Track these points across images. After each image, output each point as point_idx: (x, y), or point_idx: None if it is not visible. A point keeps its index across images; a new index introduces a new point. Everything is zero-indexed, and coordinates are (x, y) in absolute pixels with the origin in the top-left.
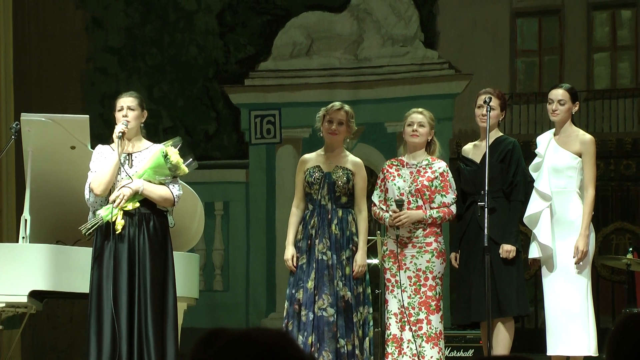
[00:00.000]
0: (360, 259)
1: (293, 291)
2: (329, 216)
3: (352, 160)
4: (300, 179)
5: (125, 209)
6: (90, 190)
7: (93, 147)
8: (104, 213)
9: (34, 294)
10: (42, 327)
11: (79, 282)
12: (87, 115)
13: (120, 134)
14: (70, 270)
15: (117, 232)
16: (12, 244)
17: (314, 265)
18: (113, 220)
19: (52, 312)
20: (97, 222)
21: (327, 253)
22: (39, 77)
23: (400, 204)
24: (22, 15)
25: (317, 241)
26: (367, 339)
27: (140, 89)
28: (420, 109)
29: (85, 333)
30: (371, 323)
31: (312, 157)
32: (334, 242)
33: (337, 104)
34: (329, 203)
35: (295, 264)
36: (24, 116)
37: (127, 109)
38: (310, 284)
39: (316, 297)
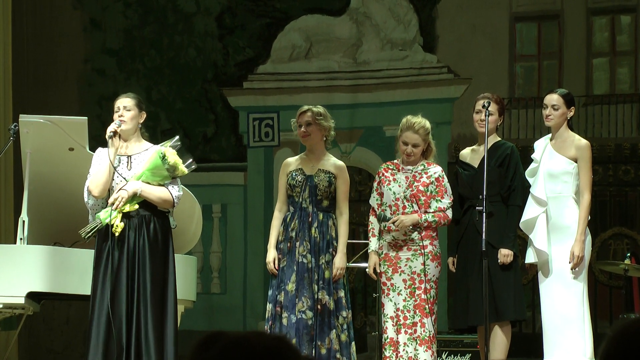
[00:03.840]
0: (339, 262)
1: (276, 293)
2: (310, 219)
3: (334, 163)
4: (283, 182)
5: (124, 211)
6: (89, 193)
7: (91, 149)
8: (103, 216)
9: (31, 296)
10: (38, 329)
11: (77, 283)
12: (86, 117)
13: (112, 133)
14: (68, 272)
15: (116, 235)
16: (10, 245)
17: (295, 267)
18: (112, 223)
19: (48, 314)
20: (96, 225)
21: (307, 256)
22: (35, 78)
23: (383, 218)
24: (19, 16)
25: (297, 244)
26: (353, 343)
27: (138, 91)
28: (415, 125)
29: (86, 335)
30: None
31: (295, 161)
32: (313, 246)
33: (304, 107)
34: (310, 206)
35: (276, 267)
36: (22, 117)
37: (123, 109)
38: (291, 287)
39: (297, 300)
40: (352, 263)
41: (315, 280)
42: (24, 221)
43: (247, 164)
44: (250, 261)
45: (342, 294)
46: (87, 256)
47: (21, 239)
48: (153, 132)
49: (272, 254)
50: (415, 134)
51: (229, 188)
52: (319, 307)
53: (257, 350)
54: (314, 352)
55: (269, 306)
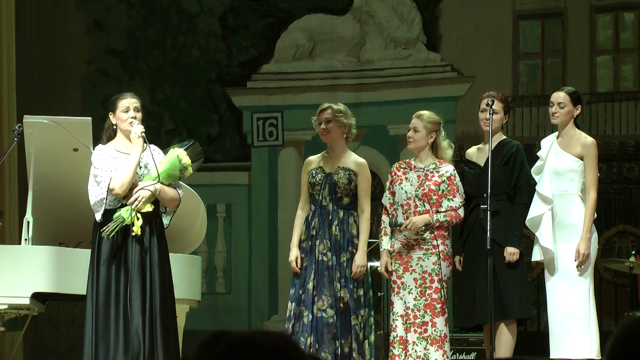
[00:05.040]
0: (360, 259)
1: (300, 292)
2: (330, 217)
3: (355, 160)
4: (305, 181)
5: (144, 210)
6: (110, 190)
7: None
8: (125, 215)
9: (37, 296)
10: (43, 329)
11: (82, 284)
12: (90, 118)
13: (144, 133)
14: (73, 272)
15: (135, 234)
16: (15, 246)
17: (314, 266)
18: (132, 221)
19: (53, 314)
20: (119, 224)
21: (327, 254)
22: (39, 79)
23: (394, 224)
24: (23, 18)
25: (317, 242)
26: (367, 341)
27: (142, 92)
28: (421, 112)
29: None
30: (373, 326)
31: (316, 159)
32: (334, 244)
33: (323, 105)
34: (330, 204)
35: (299, 266)
36: (27, 118)
37: (134, 110)
38: (310, 285)
39: (315, 298)
40: None
41: (337, 278)
42: (28, 222)
43: (251, 163)
44: (254, 261)
45: (361, 292)
46: None
47: (26, 239)
48: (157, 132)
49: (294, 253)
50: (418, 119)
51: (233, 188)
52: (341, 305)
53: (261, 350)
54: (338, 350)
55: (291, 305)
